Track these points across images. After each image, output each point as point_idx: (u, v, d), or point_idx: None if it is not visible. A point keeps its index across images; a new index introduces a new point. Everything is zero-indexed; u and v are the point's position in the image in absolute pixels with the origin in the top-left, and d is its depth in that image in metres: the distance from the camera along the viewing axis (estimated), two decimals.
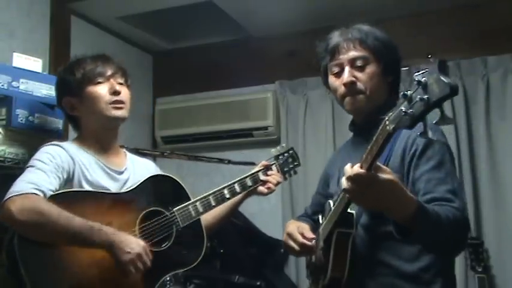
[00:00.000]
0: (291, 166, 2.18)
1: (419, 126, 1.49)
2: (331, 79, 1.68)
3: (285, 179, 2.18)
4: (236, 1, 3.37)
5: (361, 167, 1.26)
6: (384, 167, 1.29)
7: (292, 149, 2.23)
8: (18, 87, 2.37)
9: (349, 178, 1.27)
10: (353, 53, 1.61)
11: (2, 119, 2.33)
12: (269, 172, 2.08)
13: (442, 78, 1.00)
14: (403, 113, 1.07)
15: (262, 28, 3.78)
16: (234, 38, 3.94)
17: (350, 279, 1.52)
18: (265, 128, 3.76)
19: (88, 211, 1.64)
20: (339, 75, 1.64)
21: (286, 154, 2.18)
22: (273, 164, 2.12)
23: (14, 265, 1.57)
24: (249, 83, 3.90)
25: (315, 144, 3.66)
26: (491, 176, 3.19)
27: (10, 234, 1.63)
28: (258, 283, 3.08)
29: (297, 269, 3.55)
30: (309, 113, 3.70)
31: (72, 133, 2.87)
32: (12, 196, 1.58)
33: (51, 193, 1.65)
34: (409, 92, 1.07)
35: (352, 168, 1.27)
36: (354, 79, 1.60)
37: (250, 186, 2.03)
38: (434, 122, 1.04)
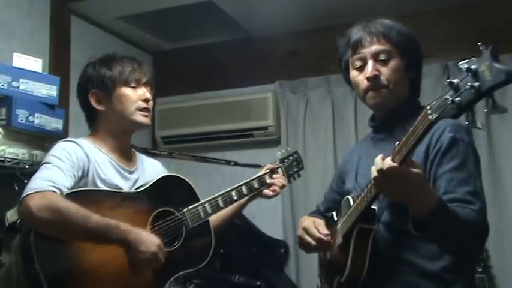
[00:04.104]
0: (295, 169, 2.22)
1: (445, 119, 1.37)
2: (353, 73, 1.64)
3: (289, 182, 2.21)
4: (236, 1, 3.37)
5: (393, 160, 1.25)
6: (415, 161, 1.28)
7: (296, 152, 2.26)
8: (18, 87, 2.37)
9: (380, 171, 1.26)
10: (376, 47, 1.57)
11: (2, 119, 2.33)
12: (274, 175, 2.11)
13: (496, 64, 0.96)
14: (450, 101, 1.02)
15: (262, 28, 3.78)
16: (234, 38, 3.94)
17: (369, 277, 1.49)
18: (265, 128, 3.76)
19: (100, 210, 1.66)
20: (361, 69, 1.60)
21: (291, 157, 2.21)
22: (278, 167, 2.14)
23: (29, 262, 1.59)
24: (249, 83, 3.90)
25: (315, 144, 3.66)
26: (491, 176, 3.18)
27: (25, 233, 1.66)
28: (258, 283, 3.08)
29: (297, 269, 3.56)
30: (309, 113, 3.70)
31: (72, 134, 2.87)
32: (30, 193, 1.59)
33: (67, 191, 1.66)
34: (455, 80, 1.02)
35: (384, 161, 1.26)
36: (377, 73, 1.56)
37: (257, 189, 2.05)
38: (485, 110, 1.00)
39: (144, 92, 1.87)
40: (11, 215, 2.29)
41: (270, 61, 3.87)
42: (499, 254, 3.09)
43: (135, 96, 1.85)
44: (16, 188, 2.36)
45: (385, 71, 1.57)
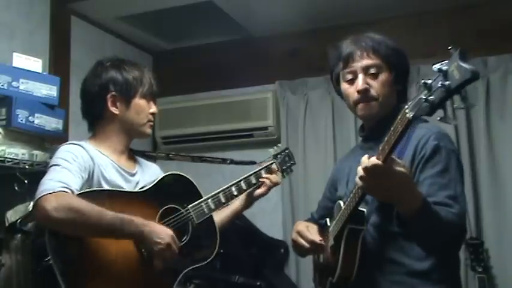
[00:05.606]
0: (288, 165, 2.31)
1: (430, 128, 1.56)
2: (344, 86, 1.72)
3: (283, 176, 2.29)
4: (236, 1, 3.37)
5: (377, 158, 1.33)
6: (398, 160, 1.37)
7: (287, 148, 2.37)
8: (18, 87, 2.37)
9: (365, 168, 1.35)
10: (367, 61, 1.66)
11: (2, 119, 2.33)
12: (269, 172, 2.19)
13: (463, 64, 1.06)
14: (423, 100, 1.12)
15: (262, 28, 3.78)
16: (235, 38, 3.94)
17: (359, 276, 1.56)
18: (265, 128, 3.76)
19: (109, 209, 1.69)
20: (352, 82, 1.69)
21: (283, 153, 2.31)
22: (273, 163, 2.22)
23: (43, 261, 1.62)
24: (250, 83, 3.90)
25: (315, 144, 3.66)
26: (491, 176, 3.18)
27: (37, 233, 1.70)
28: (258, 283, 3.08)
29: (297, 269, 3.55)
30: (309, 113, 3.70)
31: (72, 134, 2.87)
32: (44, 195, 1.61)
33: (76, 192, 1.69)
34: (429, 80, 1.12)
35: (369, 159, 1.34)
36: (367, 86, 1.65)
37: (254, 184, 2.14)
38: (455, 106, 1.09)
39: (153, 106, 1.98)
40: (11, 215, 2.29)
41: (270, 61, 3.86)
42: (499, 254, 3.09)
43: (148, 109, 1.96)
44: (16, 188, 2.37)
45: (375, 85, 1.66)
